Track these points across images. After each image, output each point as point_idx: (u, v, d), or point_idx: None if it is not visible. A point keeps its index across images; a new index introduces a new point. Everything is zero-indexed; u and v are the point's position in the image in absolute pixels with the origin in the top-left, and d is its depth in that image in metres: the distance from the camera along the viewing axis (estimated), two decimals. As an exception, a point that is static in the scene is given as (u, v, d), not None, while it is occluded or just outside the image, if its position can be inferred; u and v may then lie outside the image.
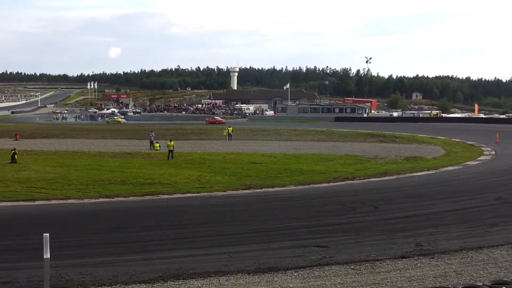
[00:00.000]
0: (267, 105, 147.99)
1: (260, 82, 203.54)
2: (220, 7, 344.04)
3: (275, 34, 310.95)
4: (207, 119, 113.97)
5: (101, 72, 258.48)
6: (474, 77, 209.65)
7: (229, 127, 68.81)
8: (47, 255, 5.21)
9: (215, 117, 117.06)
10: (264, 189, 30.39)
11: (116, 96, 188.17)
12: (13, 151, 41.86)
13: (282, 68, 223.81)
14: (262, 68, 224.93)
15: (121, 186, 30.89)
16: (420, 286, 12.93)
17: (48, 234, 5.71)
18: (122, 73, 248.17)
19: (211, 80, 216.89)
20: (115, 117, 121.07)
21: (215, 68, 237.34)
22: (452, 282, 13.27)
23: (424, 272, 14.70)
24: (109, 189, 29.81)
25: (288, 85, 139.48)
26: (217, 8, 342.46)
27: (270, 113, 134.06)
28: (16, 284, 13.82)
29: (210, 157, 45.12)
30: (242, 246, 18.03)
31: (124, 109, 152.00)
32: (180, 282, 14.12)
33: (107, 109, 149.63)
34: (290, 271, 15.02)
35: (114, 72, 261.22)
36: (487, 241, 17.81)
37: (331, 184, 32.43)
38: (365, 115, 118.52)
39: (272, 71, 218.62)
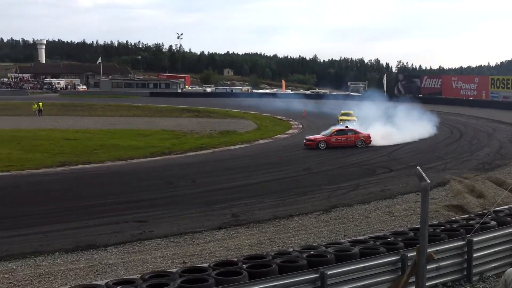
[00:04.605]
0: (79, 79, 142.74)
1: (71, 56, 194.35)
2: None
3: (84, 6, 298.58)
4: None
5: None
6: (281, 54, 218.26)
7: (39, 102, 65.57)
8: None
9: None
10: (79, 166, 29.59)
11: None
12: None
13: (93, 42, 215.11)
14: (72, 42, 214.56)
15: None
16: (237, 254, 13.52)
17: None
18: None
19: (17, 52, 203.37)
20: None
21: (20, 40, 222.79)
22: (266, 249, 14.09)
23: (241, 241, 15.43)
24: None
25: (100, 60, 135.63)
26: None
27: (83, 88, 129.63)
28: None
29: (20, 134, 42.78)
30: (59, 224, 17.56)
31: None
32: (-8, 266, 13.51)
33: None
34: (109, 247, 14.98)
35: None
36: (297, 210, 19.08)
37: (149, 159, 32.44)
38: (179, 91, 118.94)
39: (83, 45, 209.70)
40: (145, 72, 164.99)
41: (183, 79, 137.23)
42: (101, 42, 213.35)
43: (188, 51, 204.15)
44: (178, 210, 19.46)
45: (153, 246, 15.09)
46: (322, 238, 15.11)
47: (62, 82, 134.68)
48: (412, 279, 9.43)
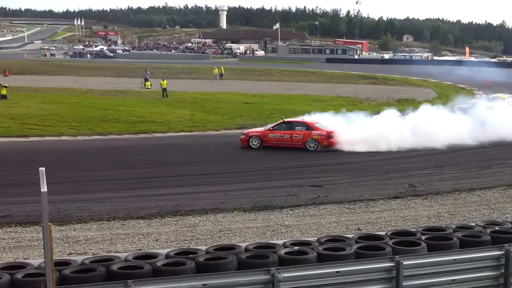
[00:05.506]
0: (257, 45, 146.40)
1: (249, 21, 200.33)
2: None
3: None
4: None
5: (88, 8, 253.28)
6: (465, 20, 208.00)
7: (221, 66, 68.31)
8: (44, 188, 5.22)
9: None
10: (257, 129, 30.43)
11: (104, 33, 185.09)
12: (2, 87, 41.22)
13: (271, 7, 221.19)
14: (251, 8, 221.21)
15: (114, 124, 30.83)
16: (414, 225, 13.13)
17: (44, 168, 5.79)
18: (109, 10, 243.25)
19: (200, 18, 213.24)
20: None
21: (204, 6, 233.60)
22: (445, 222, 13.52)
23: (418, 212, 14.96)
24: (102, 127, 29.76)
25: (277, 25, 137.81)
26: None
27: (261, 53, 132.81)
28: (15, 218, 13.95)
29: (202, 97, 44.96)
30: (238, 184, 18.22)
31: (113, 47, 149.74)
32: (177, 218, 14.30)
33: (95, 46, 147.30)
34: (285, 210, 15.23)
35: (100, 8, 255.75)
36: (480, 183, 18.09)
37: (324, 125, 32.46)
38: (356, 57, 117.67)
39: (262, 11, 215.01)
40: (322, 38, 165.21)
41: (360, 45, 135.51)
42: (279, 8, 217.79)
43: (366, 16, 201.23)
44: (353, 177, 19.32)
45: (327, 211, 15.11)
46: (507, 215, 14.21)
47: (242, 47, 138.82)
48: None
